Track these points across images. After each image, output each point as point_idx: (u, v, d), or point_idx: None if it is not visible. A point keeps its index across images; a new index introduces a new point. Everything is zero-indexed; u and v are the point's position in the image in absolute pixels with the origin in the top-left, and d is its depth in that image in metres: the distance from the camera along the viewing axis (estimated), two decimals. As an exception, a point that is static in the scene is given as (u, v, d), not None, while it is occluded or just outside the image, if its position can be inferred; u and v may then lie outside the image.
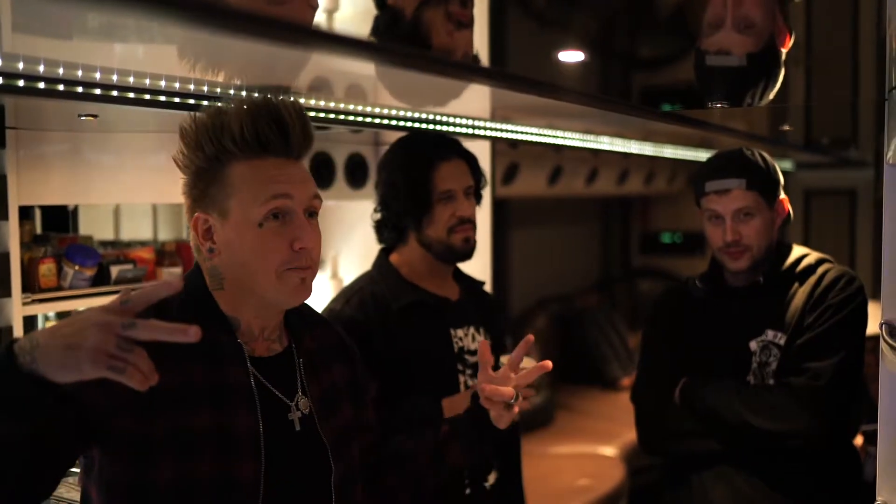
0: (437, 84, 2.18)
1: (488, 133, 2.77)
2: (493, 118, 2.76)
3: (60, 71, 1.68)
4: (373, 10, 2.25)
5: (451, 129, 2.55)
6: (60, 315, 2.47)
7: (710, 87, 2.27)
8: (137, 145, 2.53)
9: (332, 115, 2.28)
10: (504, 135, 2.89)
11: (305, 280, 1.52)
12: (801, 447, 2.29)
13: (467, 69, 2.19)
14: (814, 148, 4.69)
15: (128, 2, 1.11)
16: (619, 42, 2.81)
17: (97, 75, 1.73)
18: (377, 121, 2.38)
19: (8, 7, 1.67)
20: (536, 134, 3.09)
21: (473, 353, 2.27)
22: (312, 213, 1.54)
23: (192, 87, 1.89)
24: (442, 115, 2.52)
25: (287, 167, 1.52)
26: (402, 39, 2.14)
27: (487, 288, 2.54)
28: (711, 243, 2.43)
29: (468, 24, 2.22)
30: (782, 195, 2.43)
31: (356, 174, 3.19)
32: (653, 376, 2.55)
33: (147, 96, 1.85)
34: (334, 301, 2.27)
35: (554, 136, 3.22)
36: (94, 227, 2.94)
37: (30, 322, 2.33)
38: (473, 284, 2.42)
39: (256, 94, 1.56)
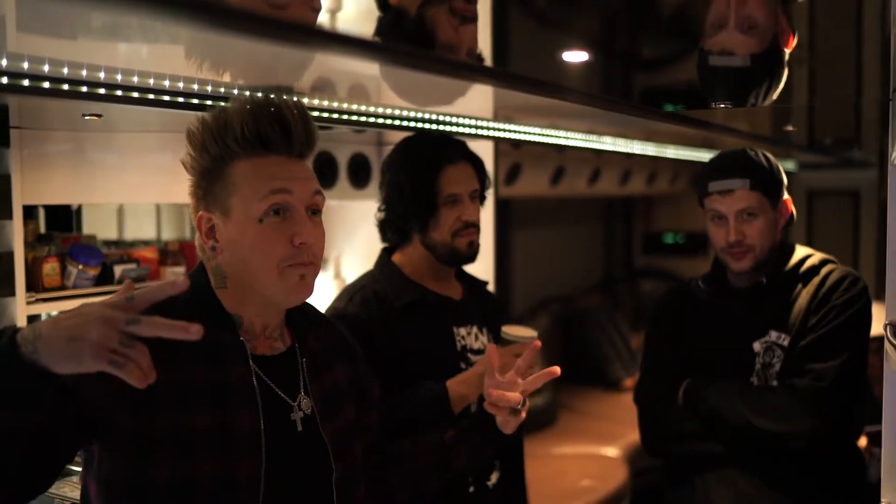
0: (440, 84, 2.18)
1: (491, 133, 2.77)
2: (495, 118, 2.76)
3: (65, 70, 1.69)
4: (375, 10, 2.25)
5: (454, 129, 2.55)
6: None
7: (712, 87, 2.27)
8: (141, 145, 2.53)
9: (335, 115, 2.28)
10: (507, 135, 2.89)
11: (305, 277, 1.52)
12: (804, 448, 2.29)
13: (471, 69, 2.19)
14: (817, 148, 4.68)
15: (132, 2, 1.11)
16: (622, 42, 2.81)
17: (101, 75, 1.74)
18: (380, 121, 2.38)
19: (13, 7, 1.67)
20: (539, 134, 3.09)
21: (476, 352, 2.27)
22: (315, 211, 1.54)
23: (195, 86, 1.90)
24: (445, 115, 2.52)
25: (289, 164, 1.53)
26: (406, 38, 2.13)
27: (490, 288, 2.54)
28: (714, 244, 2.43)
29: (473, 18, 2.22)
30: (786, 195, 2.43)
31: (359, 174, 3.19)
32: (656, 377, 2.55)
33: (151, 96, 1.85)
34: (337, 299, 2.27)
35: (556, 137, 3.22)
36: (97, 226, 2.95)
37: (34, 321, 2.33)
38: (476, 284, 2.42)
39: (259, 94, 1.57)
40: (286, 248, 1.49)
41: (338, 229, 3.33)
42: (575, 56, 2.47)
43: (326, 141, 3.00)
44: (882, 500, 1.72)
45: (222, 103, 1.60)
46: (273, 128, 1.50)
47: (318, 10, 1.81)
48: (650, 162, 5.32)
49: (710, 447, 2.39)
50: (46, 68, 1.66)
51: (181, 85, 1.88)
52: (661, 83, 2.76)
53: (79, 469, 1.62)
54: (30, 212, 2.43)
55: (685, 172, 5.78)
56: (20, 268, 2.18)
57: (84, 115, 2.08)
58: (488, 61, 2.51)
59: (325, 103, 2.25)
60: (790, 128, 3.56)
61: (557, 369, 1.77)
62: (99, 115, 2.09)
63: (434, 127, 2.50)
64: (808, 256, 2.44)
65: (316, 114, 2.18)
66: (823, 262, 2.42)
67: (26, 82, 1.66)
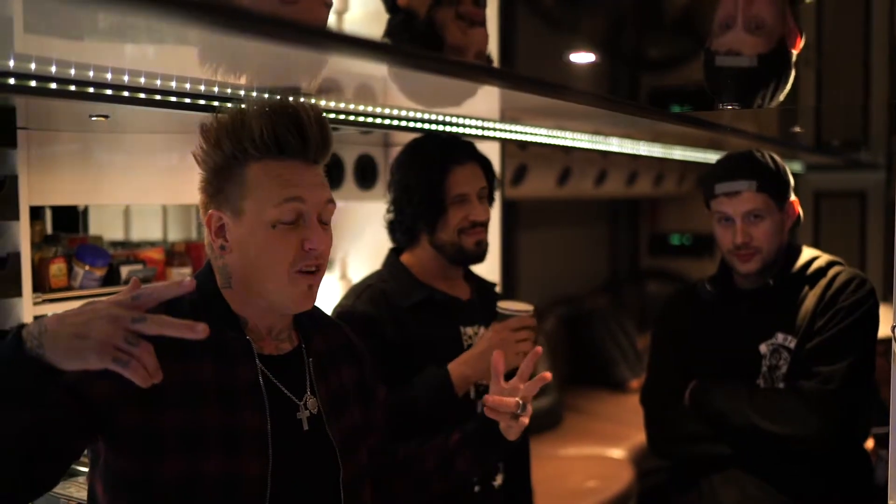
0: (448, 85, 2.18)
1: (497, 134, 2.77)
2: (502, 119, 2.76)
3: (72, 71, 1.69)
4: (382, 11, 2.25)
5: (461, 130, 2.55)
6: (70, 315, 2.47)
7: (719, 88, 2.27)
8: (148, 146, 2.54)
9: (341, 116, 2.29)
10: (513, 136, 2.89)
11: (312, 287, 1.54)
12: (811, 451, 2.28)
13: (478, 70, 2.19)
14: (824, 150, 4.67)
15: (139, 3, 1.11)
16: (629, 43, 2.81)
17: (108, 76, 1.74)
18: (387, 122, 2.38)
19: (20, 8, 1.67)
20: (545, 135, 3.09)
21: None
22: (325, 221, 1.55)
23: (202, 87, 1.90)
24: (451, 116, 2.52)
25: (303, 171, 1.53)
26: (416, 40, 2.14)
27: (497, 290, 2.54)
28: (721, 245, 2.43)
29: (481, 22, 2.22)
30: (792, 197, 2.42)
31: (365, 175, 3.19)
32: (662, 379, 2.54)
33: (158, 97, 1.85)
34: (345, 298, 2.27)
35: (563, 138, 3.22)
36: (104, 227, 2.95)
37: (40, 322, 2.33)
38: (484, 285, 2.42)
39: (277, 97, 1.57)
40: (296, 252, 1.50)
41: (344, 230, 3.33)
42: (582, 57, 2.46)
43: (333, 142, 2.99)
44: (889, 502, 1.72)
45: (229, 104, 1.60)
46: (290, 133, 1.51)
47: (329, 5, 1.81)
48: (657, 163, 5.32)
49: (716, 449, 2.38)
50: (53, 69, 1.66)
51: (188, 86, 1.88)
52: (667, 84, 2.76)
53: (85, 469, 1.62)
54: (36, 212, 2.43)
55: (692, 174, 5.77)
56: (27, 268, 2.19)
57: (91, 116, 2.09)
58: (495, 63, 2.51)
59: (332, 104, 2.25)
60: (797, 129, 3.55)
61: (549, 375, 1.79)
62: (106, 116, 2.09)
63: (441, 128, 2.51)
64: (815, 258, 2.43)
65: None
66: (830, 264, 2.41)
67: (33, 83, 1.66)
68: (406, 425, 1.96)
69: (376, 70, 2.36)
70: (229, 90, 1.94)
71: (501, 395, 1.76)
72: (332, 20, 2.55)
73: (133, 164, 2.52)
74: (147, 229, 3.22)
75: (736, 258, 2.39)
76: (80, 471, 2.07)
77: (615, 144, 3.75)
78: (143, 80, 1.80)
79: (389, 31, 2.22)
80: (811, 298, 2.36)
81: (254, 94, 1.97)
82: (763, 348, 2.38)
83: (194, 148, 1.54)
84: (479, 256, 2.28)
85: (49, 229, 2.61)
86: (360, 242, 3.35)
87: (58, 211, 2.70)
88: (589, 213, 6.09)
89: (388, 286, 2.24)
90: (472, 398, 2.18)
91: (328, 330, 1.73)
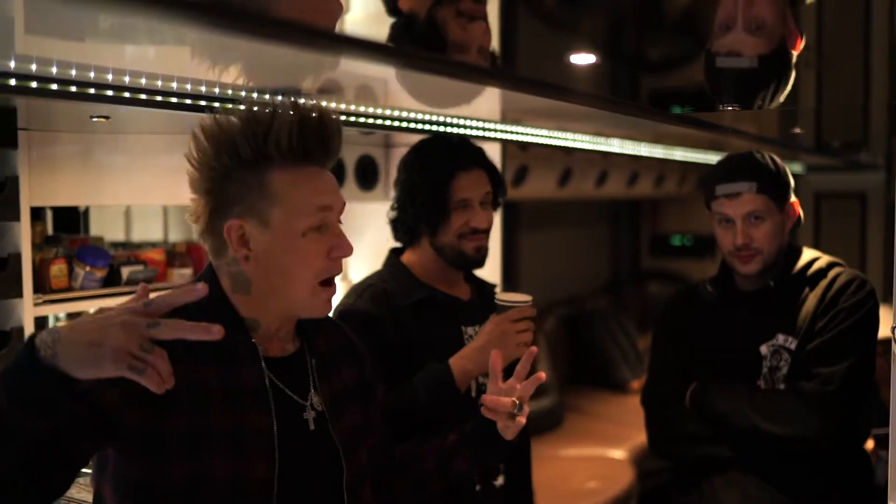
0: (451, 86, 2.18)
1: (498, 135, 2.77)
2: (503, 120, 2.76)
3: (73, 72, 1.69)
4: (383, 13, 2.25)
5: (462, 131, 2.55)
6: (71, 316, 2.47)
7: (720, 89, 2.27)
8: (149, 147, 2.54)
9: (342, 117, 2.29)
10: (514, 137, 2.89)
11: (331, 298, 1.57)
12: (811, 452, 2.28)
13: (480, 71, 2.19)
14: (824, 151, 4.67)
15: (141, 4, 1.11)
16: (629, 44, 2.81)
17: (109, 77, 1.74)
18: (388, 122, 2.38)
19: (21, 9, 1.67)
20: (546, 136, 3.09)
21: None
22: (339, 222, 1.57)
23: (203, 88, 1.90)
24: (453, 117, 2.52)
25: (325, 177, 1.55)
26: (418, 42, 2.14)
27: (498, 290, 2.54)
28: (722, 247, 2.43)
29: (481, 16, 2.22)
30: (793, 198, 2.42)
31: (366, 176, 3.19)
32: (663, 380, 2.54)
33: (159, 98, 1.86)
34: (346, 297, 2.27)
35: (564, 139, 3.22)
36: (105, 228, 2.95)
37: (41, 323, 2.34)
38: (485, 287, 2.42)
39: (301, 100, 1.55)
40: (323, 261, 1.52)
41: (345, 231, 3.33)
42: (583, 58, 2.47)
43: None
44: (889, 502, 1.72)
45: (230, 105, 1.60)
46: (315, 140, 1.51)
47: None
48: (658, 164, 5.32)
49: (717, 450, 2.38)
50: (54, 70, 1.66)
51: (189, 87, 1.88)
52: (668, 85, 2.76)
53: (86, 470, 1.62)
54: (37, 213, 2.43)
55: (693, 175, 5.78)
56: (28, 269, 2.19)
57: (92, 117, 2.09)
58: (499, 58, 2.51)
59: (333, 105, 2.25)
60: (797, 130, 3.55)
61: (543, 375, 1.79)
62: (106, 117, 2.10)
63: (442, 129, 2.51)
64: (815, 259, 2.43)
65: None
66: (831, 265, 2.41)
67: (34, 84, 1.66)
68: (408, 423, 1.96)
69: (377, 71, 2.37)
70: (230, 91, 1.94)
71: (498, 395, 1.76)
72: (333, 21, 2.56)
73: (134, 164, 2.52)
74: (148, 230, 3.22)
75: (736, 259, 2.39)
76: (82, 472, 2.07)
77: (616, 145, 3.75)
78: (143, 81, 1.80)
79: (393, 35, 2.22)
80: (811, 300, 2.36)
81: (254, 94, 1.97)
82: (764, 349, 2.38)
83: (189, 151, 1.49)
84: (479, 262, 2.28)
85: (50, 230, 2.61)
86: (361, 243, 3.35)
87: (59, 212, 2.71)
88: (590, 213, 6.10)
89: (388, 285, 2.24)
90: (474, 396, 2.18)
91: (329, 330, 1.73)
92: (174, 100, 1.88)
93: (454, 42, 2.16)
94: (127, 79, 1.77)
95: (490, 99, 2.53)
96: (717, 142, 4.12)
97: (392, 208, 2.32)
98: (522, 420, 1.78)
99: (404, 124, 2.42)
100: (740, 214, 2.35)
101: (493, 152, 2.98)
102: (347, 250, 1.54)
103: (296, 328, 1.64)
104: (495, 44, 2.57)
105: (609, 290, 6.24)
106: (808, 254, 2.46)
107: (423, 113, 2.44)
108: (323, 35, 1.61)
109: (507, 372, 1.82)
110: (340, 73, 2.31)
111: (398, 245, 2.35)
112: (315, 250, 1.51)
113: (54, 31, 1.73)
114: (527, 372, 1.80)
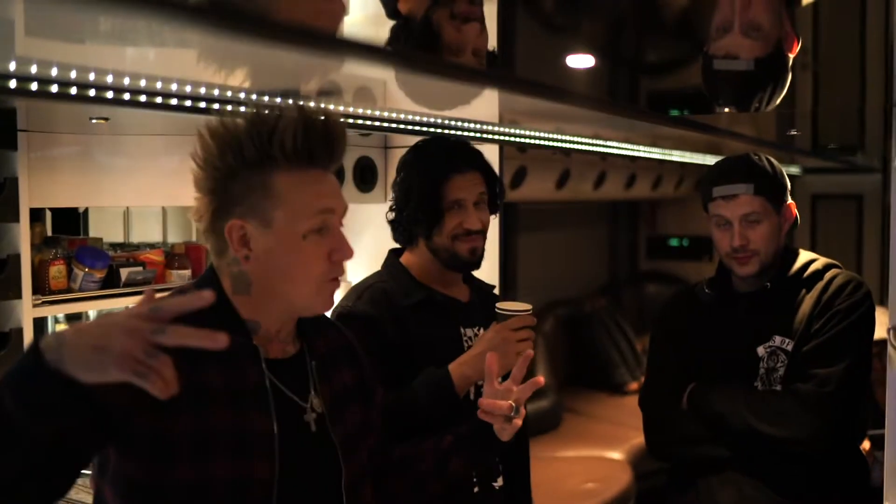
0: (449, 88, 2.19)
1: (496, 137, 2.78)
2: (501, 122, 2.77)
3: (73, 74, 1.69)
4: (381, 15, 2.26)
5: (460, 133, 2.56)
6: (70, 317, 2.48)
7: (717, 91, 2.28)
8: (148, 148, 2.54)
9: (340, 119, 2.29)
10: (512, 139, 2.90)
11: (333, 293, 1.58)
12: (808, 453, 2.29)
13: (477, 74, 2.20)
14: (821, 153, 4.68)
15: (142, 6, 1.12)
16: (627, 46, 2.82)
17: (109, 79, 1.75)
18: (386, 124, 2.38)
19: (21, 11, 1.68)
20: (545, 138, 3.10)
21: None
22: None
23: (202, 90, 1.90)
24: (451, 119, 2.53)
25: (328, 180, 1.56)
26: (416, 44, 2.15)
27: (496, 292, 2.55)
28: (719, 248, 2.43)
29: (475, 18, 2.23)
30: (789, 200, 2.43)
31: (365, 177, 3.20)
32: (660, 381, 2.55)
33: (158, 100, 1.86)
34: (345, 298, 2.28)
35: (562, 141, 3.23)
36: (104, 229, 2.96)
37: (40, 324, 2.34)
38: (483, 288, 2.43)
39: (309, 103, 1.56)
40: (324, 263, 1.52)
41: (344, 232, 3.34)
42: (580, 60, 2.47)
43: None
44: (885, 503, 1.73)
45: (230, 107, 1.60)
46: (320, 143, 1.51)
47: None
48: (655, 166, 5.32)
49: (714, 451, 2.39)
50: (54, 72, 1.67)
51: (188, 89, 1.89)
52: (665, 87, 2.77)
53: (88, 472, 1.63)
54: (37, 214, 2.44)
55: (690, 176, 5.78)
56: (27, 270, 2.19)
57: (91, 119, 2.10)
58: (499, 58, 2.52)
59: (332, 107, 2.26)
60: (794, 132, 3.56)
61: (541, 379, 1.80)
62: (106, 119, 2.10)
63: (440, 131, 2.51)
64: (812, 261, 2.44)
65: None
66: (827, 267, 2.42)
67: (34, 86, 1.67)
68: (407, 426, 1.97)
69: (376, 73, 2.37)
70: (229, 93, 1.95)
71: (495, 398, 1.77)
72: (331, 24, 2.56)
73: (133, 166, 2.53)
74: (147, 231, 3.23)
75: (734, 261, 2.39)
76: (82, 473, 2.07)
77: (614, 147, 3.75)
78: (143, 82, 1.81)
79: (391, 37, 2.23)
80: (808, 301, 2.37)
81: (253, 97, 1.98)
82: (761, 351, 2.38)
83: (192, 150, 1.50)
84: (474, 264, 2.28)
85: (49, 231, 2.61)
86: (360, 244, 3.34)
87: (58, 213, 2.71)
88: (588, 215, 6.10)
89: (388, 285, 2.24)
90: (472, 399, 2.18)
91: (328, 331, 1.74)
92: (173, 101, 1.89)
93: (449, 43, 2.17)
94: (126, 81, 1.77)
95: (488, 101, 2.54)
96: (714, 144, 4.12)
97: (391, 209, 2.33)
98: (519, 422, 1.78)
99: (403, 126, 2.42)
100: (737, 216, 2.35)
101: (492, 154, 2.99)
102: (348, 253, 1.54)
103: (296, 330, 1.65)
104: (494, 46, 2.58)
105: (607, 291, 6.24)
106: (804, 255, 2.46)
107: (422, 115, 2.44)
108: (321, 37, 1.62)
109: (505, 378, 1.83)
110: (339, 75, 2.31)
111: (397, 246, 2.36)
112: (316, 252, 1.51)
113: (54, 33, 1.74)
114: (523, 375, 1.81)
